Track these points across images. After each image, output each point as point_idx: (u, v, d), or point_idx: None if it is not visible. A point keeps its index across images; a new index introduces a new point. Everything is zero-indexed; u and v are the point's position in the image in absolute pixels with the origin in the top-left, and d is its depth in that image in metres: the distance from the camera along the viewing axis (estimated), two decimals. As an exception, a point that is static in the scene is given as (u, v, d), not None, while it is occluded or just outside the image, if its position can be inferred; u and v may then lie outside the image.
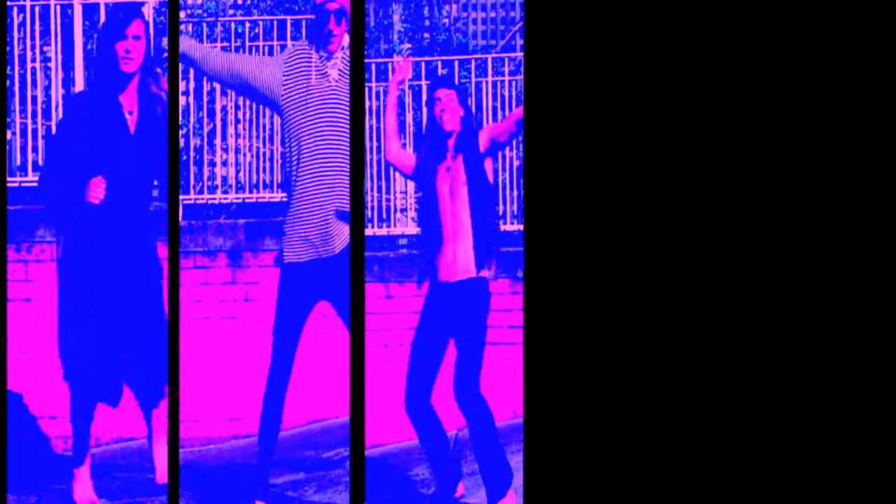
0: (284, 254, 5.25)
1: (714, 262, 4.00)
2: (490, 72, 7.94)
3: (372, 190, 7.95)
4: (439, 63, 8.03)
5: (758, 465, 4.00)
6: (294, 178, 5.17)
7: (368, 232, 7.85)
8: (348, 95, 5.06)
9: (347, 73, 5.16)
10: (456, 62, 7.94)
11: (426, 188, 5.62)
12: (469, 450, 6.02)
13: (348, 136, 5.11)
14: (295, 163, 5.17)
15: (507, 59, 7.98)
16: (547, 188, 3.97)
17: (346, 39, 5.18)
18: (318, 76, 5.12)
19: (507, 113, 7.94)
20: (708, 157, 4.02)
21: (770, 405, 4.00)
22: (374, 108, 8.00)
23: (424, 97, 7.99)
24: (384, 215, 8.00)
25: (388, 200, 8.02)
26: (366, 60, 8.10)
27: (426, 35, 8.42)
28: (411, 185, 8.07)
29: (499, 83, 7.97)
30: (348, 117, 5.09)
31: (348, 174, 5.12)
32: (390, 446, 7.05)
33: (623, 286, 3.97)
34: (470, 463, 6.07)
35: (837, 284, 3.99)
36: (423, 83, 7.99)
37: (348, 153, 5.13)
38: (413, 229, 7.95)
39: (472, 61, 7.99)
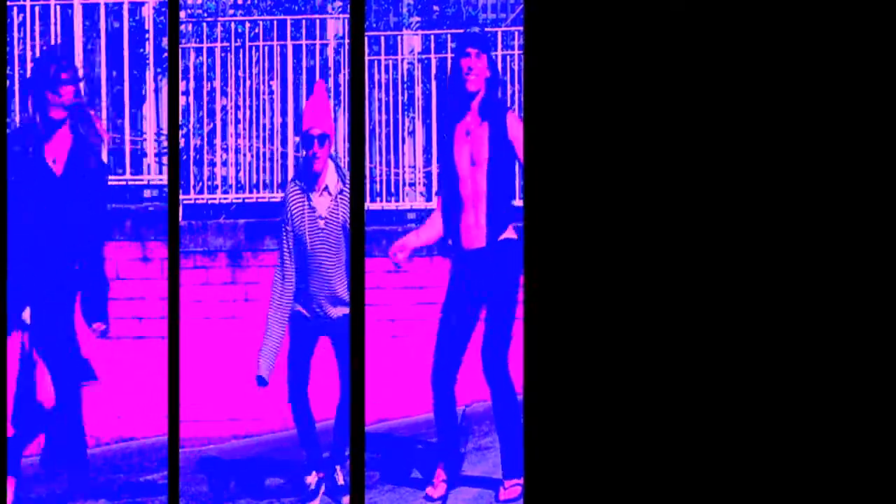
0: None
1: (711, 247, 4.00)
2: (500, 45, 7.93)
3: (380, 164, 7.94)
4: (448, 36, 8.00)
5: (748, 439, 4.00)
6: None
7: (376, 206, 7.84)
8: (338, 225, 5.62)
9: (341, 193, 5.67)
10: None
11: (444, 153, 5.63)
12: (476, 424, 6.01)
13: (340, 260, 5.61)
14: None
15: (516, 33, 7.94)
16: (547, 170, 3.96)
17: (331, 169, 5.67)
18: (310, 216, 5.67)
19: (516, 87, 7.91)
20: (704, 141, 4.01)
21: (761, 378, 4.00)
22: (383, 81, 8.00)
23: (434, 71, 8.00)
24: (392, 189, 7.99)
25: (396, 174, 8.01)
26: (375, 33, 8.11)
27: (435, 8, 8.40)
28: (420, 159, 8.05)
29: (508, 57, 7.95)
30: (338, 246, 5.63)
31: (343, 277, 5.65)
32: (397, 421, 7.05)
33: (623, 269, 3.97)
34: (477, 437, 6.07)
35: (837, 281, 3.98)
36: (433, 57, 7.97)
37: (342, 267, 5.63)
38: (421, 203, 7.92)
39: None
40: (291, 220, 5.74)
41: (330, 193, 5.71)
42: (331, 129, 5.75)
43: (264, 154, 7.78)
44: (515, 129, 5.52)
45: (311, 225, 5.72)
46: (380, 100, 7.95)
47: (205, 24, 7.93)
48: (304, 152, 5.76)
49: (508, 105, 6.83)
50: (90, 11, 7.73)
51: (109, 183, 5.89)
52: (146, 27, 7.76)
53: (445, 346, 5.60)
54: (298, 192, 5.75)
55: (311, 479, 5.77)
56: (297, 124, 7.52)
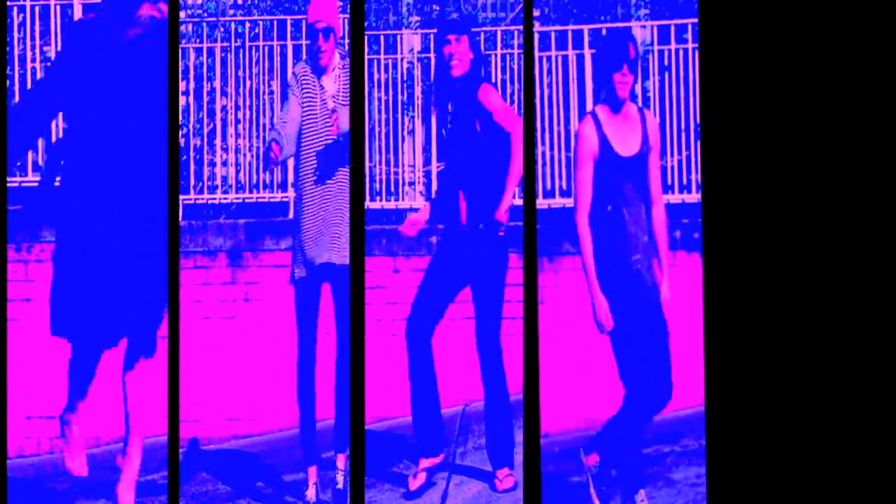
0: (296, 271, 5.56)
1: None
2: (499, 45, 7.91)
3: (380, 163, 7.93)
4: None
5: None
6: (298, 194, 5.51)
7: (376, 205, 7.83)
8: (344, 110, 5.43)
9: (346, 71, 5.45)
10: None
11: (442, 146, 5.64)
12: (476, 423, 6.02)
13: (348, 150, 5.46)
14: (300, 176, 5.53)
15: (516, 32, 7.93)
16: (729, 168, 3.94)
17: (336, 57, 5.50)
18: (321, 95, 5.50)
19: (516, 87, 7.90)
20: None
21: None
22: (383, 80, 7.99)
23: (433, 70, 7.98)
24: (392, 188, 7.99)
25: (396, 174, 8.00)
26: (374, 32, 8.10)
27: (435, 7, 8.40)
28: (420, 158, 8.05)
29: (508, 56, 7.94)
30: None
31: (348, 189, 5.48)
32: (397, 420, 7.04)
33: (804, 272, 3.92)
34: (477, 436, 6.07)
35: None
36: (433, 56, 7.97)
37: (348, 167, 5.47)
38: (421, 202, 7.92)
39: (481, 34, 7.95)
40: (301, 94, 5.55)
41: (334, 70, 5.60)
42: (336, 21, 5.61)
43: (264, 154, 7.78)
44: (488, 96, 5.52)
45: (322, 105, 5.56)
46: (379, 99, 7.95)
47: (205, 24, 7.93)
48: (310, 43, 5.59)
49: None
50: (90, 11, 7.72)
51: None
52: (146, 27, 7.75)
53: (421, 301, 5.63)
54: (308, 70, 5.59)
55: (311, 491, 5.66)
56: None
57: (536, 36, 7.99)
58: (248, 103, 7.88)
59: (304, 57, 5.69)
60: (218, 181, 7.87)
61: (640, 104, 7.09)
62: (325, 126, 5.46)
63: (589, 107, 8.07)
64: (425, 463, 5.62)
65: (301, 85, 5.45)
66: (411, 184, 8.13)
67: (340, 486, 5.57)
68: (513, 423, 5.52)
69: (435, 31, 8.46)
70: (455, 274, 5.60)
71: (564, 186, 8.00)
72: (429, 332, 5.65)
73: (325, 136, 5.43)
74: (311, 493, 5.63)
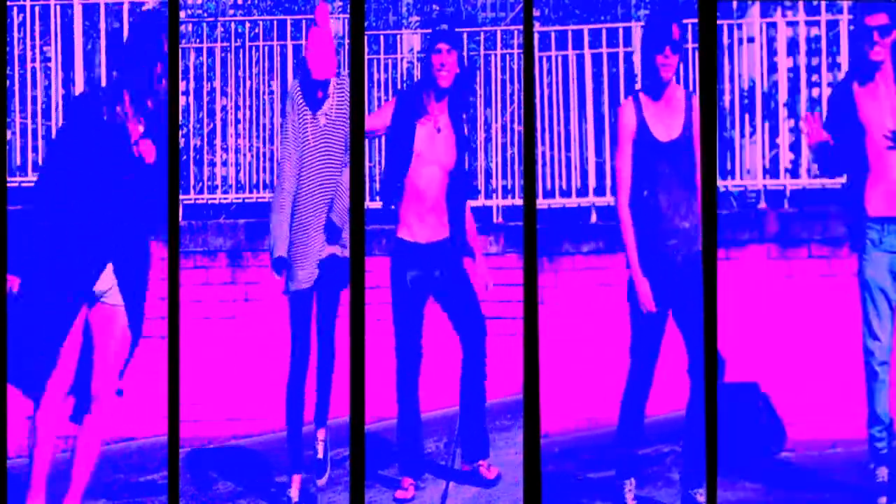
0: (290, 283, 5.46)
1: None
2: (499, 44, 7.91)
3: (380, 163, 7.93)
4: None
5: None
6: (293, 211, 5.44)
7: (376, 205, 7.83)
8: (338, 127, 5.41)
9: (341, 100, 5.48)
10: (465, 34, 7.86)
11: (403, 139, 5.56)
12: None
13: (338, 168, 5.43)
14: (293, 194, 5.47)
15: (516, 32, 7.93)
16: None
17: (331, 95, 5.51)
18: (312, 114, 5.47)
19: (515, 86, 7.89)
20: None
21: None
22: (382, 79, 7.99)
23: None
24: (392, 189, 7.99)
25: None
26: (374, 32, 8.10)
27: (435, 7, 8.40)
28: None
29: (508, 56, 7.94)
30: (339, 149, 5.43)
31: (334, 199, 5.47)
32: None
33: None
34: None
35: None
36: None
37: (337, 183, 5.45)
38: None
39: (481, 34, 7.96)
40: (294, 110, 5.50)
41: (328, 95, 5.54)
42: (334, 72, 5.51)
43: (264, 154, 7.79)
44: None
45: (313, 124, 5.50)
46: (379, 99, 7.96)
47: (205, 24, 7.94)
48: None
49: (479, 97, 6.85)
50: (90, 11, 7.73)
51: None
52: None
53: (407, 348, 5.64)
54: (301, 96, 5.52)
55: (294, 490, 5.62)
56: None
57: (536, 36, 8.00)
58: (248, 103, 7.87)
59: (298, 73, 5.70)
60: (218, 181, 7.86)
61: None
62: (315, 137, 5.43)
63: (589, 106, 8.08)
64: (409, 481, 5.63)
65: (295, 96, 5.42)
66: (411, 184, 8.14)
67: (320, 455, 5.57)
68: (485, 416, 5.56)
69: (435, 30, 8.47)
70: (419, 290, 5.59)
71: (564, 186, 8.00)
72: (415, 380, 5.66)
73: (319, 150, 5.41)
74: (294, 494, 5.65)
